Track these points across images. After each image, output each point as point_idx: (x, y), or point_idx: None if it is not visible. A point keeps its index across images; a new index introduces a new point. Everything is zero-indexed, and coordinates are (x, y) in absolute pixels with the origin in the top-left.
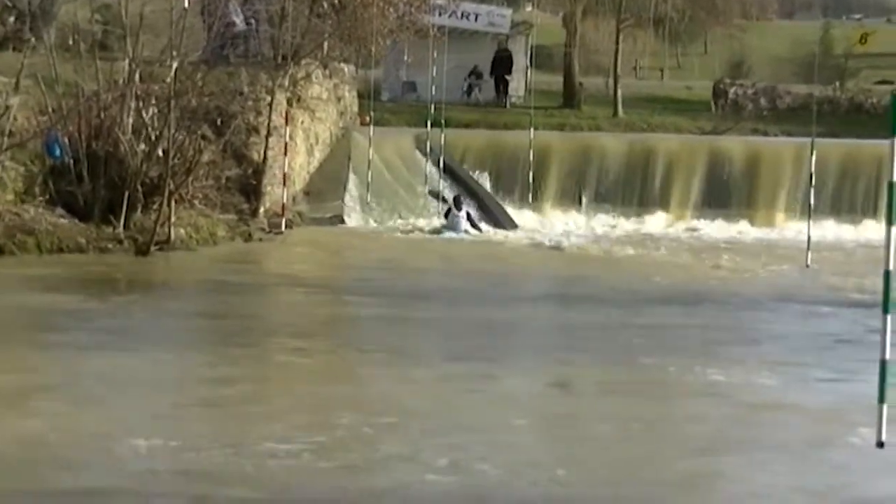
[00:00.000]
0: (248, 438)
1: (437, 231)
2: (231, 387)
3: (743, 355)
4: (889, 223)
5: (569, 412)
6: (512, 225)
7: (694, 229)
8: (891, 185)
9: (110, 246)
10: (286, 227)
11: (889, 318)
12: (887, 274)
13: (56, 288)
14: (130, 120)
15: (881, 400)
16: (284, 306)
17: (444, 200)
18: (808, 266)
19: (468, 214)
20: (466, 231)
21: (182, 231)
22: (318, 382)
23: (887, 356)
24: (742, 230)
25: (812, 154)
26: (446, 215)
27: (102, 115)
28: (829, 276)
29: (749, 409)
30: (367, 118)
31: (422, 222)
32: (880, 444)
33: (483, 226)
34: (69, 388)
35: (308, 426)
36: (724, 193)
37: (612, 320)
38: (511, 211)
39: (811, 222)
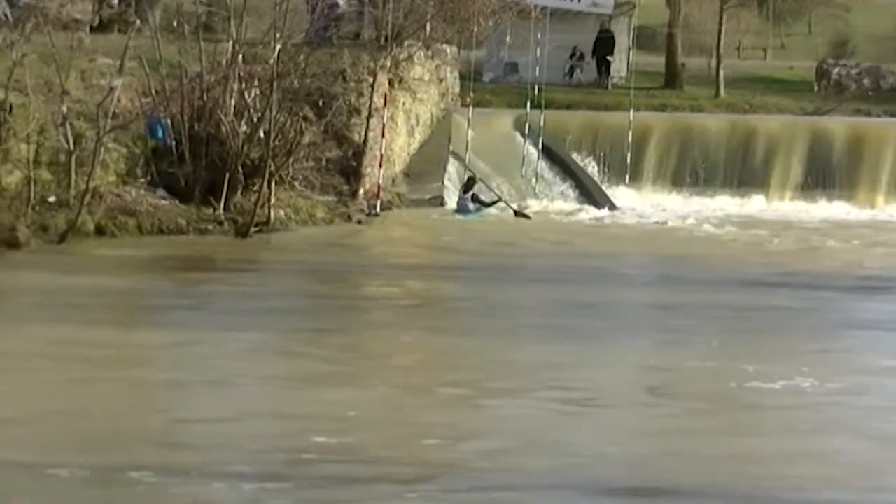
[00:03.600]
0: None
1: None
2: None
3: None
4: None
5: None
6: (610, 205)
7: (795, 210)
8: None
9: (210, 227)
10: (385, 208)
11: None
12: None
13: (154, 269)
14: (233, 101)
15: None
16: (381, 289)
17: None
18: None
19: (473, 196)
20: (479, 209)
21: (282, 212)
22: (407, 371)
23: None
24: (844, 211)
25: None
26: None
27: (205, 96)
28: None
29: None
30: (468, 99)
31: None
32: None
33: (499, 204)
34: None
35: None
36: (826, 174)
37: (712, 301)
38: (610, 191)
39: None
